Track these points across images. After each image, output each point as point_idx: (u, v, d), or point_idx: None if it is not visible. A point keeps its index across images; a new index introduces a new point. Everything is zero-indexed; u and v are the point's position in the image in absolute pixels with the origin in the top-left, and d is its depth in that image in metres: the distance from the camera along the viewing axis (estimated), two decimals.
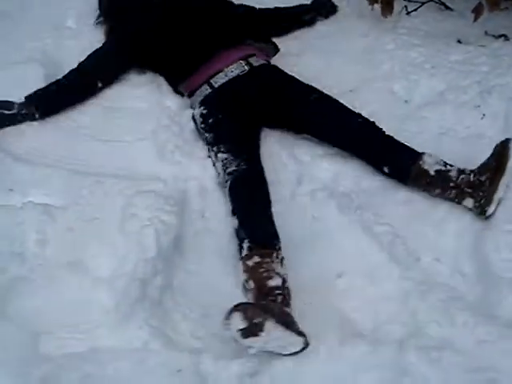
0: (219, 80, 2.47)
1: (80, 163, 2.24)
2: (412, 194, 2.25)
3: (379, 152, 2.30)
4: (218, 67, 2.49)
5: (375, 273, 2.05)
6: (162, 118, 2.44)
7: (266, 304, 1.80)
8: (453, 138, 2.50)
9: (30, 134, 2.32)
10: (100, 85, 2.54)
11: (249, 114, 2.41)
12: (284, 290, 1.92)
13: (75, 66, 2.52)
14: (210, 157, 2.35)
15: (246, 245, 2.01)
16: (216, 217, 2.21)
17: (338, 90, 2.75)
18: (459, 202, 2.15)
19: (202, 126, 2.39)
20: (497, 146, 2.15)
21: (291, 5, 3.18)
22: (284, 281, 1.93)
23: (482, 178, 2.09)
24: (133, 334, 1.73)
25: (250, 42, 2.65)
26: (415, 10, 3.25)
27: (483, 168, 2.13)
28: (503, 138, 2.18)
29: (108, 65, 2.58)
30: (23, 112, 2.33)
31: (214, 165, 2.33)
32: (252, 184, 2.21)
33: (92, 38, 2.70)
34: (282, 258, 2.01)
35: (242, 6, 2.94)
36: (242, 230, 2.08)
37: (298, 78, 2.55)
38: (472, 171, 2.14)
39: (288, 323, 1.74)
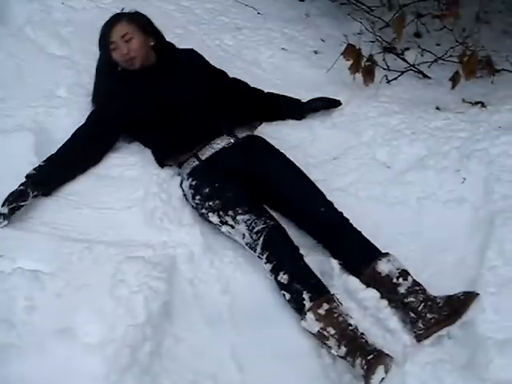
0: (206, 152, 2.53)
1: (69, 230, 2.26)
2: None
3: (338, 247, 2.34)
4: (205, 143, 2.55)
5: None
6: (151, 185, 2.47)
7: (380, 350, 1.95)
8: (435, 202, 2.56)
9: None
10: (98, 157, 2.60)
11: (239, 181, 2.45)
12: (358, 328, 2.04)
13: (65, 137, 2.56)
14: (222, 222, 2.35)
15: (306, 296, 2.09)
16: (204, 283, 2.22)
17: (321, 158, 2.85)
18: (402, 317, 2.14)
19: (198, 197, 2.42)
20: (463, 293, 2.09)
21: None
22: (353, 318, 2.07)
23: (429, 316, 2.06)
24: None
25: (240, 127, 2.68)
26: (395, 78, 3.38)
27: (434, 306, 2.08)
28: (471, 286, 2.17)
29: (98, 139, 2.60)
30: (31, 187, 2.32)
31: (223, 229, 2.36)
32: (286, 237, 2.27)
33: (82, 107, 2.76)
34: (339, 300, 2.11)
35: (234, 79, 2.99)
36: (295, 283, 2.13)
37: (281, 151, 2.60)
38: (422, 300, 2.10)
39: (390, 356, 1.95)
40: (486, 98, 3.13)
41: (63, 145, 2.53)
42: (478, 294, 2.06)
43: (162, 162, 2.61)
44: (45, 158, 2.46)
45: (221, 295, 2.19)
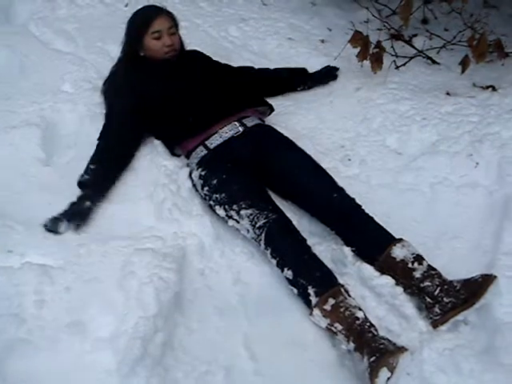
0: (214, 141, 2.50)
1: None
2: None
3: (351, 234, 2.31)
4: (214, 130, 2.53)
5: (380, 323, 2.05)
6: (160, 177, 2.46)
7: (385, 346, 1.89)
8: (448, 188, 2.53)
9: (29, 199, 2.32)
10: (131, 155, 2.56)
11: (247, 173, 2.43)
12: (368, 319, 2.00)
13: (71, 132, 2.57)
14: (228, 216, 2.33)
15: (311, 291, 2.06)
16: (215, 273, 2.21)
17: (331, 146, 2.83)
18: (418, 303, 2.12)
19: (206, 188, 2.40)
20: (481, 276, 2.06)
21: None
22: (362, 310, 2.03)
23: (446, 300, 2.03)
24: None
25: (249, 109, 2.69)
26: (404, 64, 3.34)
27: (451, 290, 2.05)
28: (487, 272, 2.08)
29: (128, 137, 2.58)
30: (95, 201, 2.32)
31: (230, 223, 2.33)
32: (289, 230, 2.24)
33: (88, 102, 2.74)
34: (347, 290, 2.08)
35: (239, 67, 3.08)
36: (300, 278, 2.11)
37: (290, 139, 2.58)
38: (439, 284, 2.07)
39: (399, 348, 1.90)
40: (497, 81, 3.08)
41: (97, 153, 2.47)
42: (495, 277, 2.02)
43: (172, 150, 2.61)
44: (87, 168, 2.40)
45: (232, 285, 2.17)
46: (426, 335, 2.01)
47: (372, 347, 1.90)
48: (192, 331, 1.98)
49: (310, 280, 2.09)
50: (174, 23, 2.80)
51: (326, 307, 2.02)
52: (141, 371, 1.73)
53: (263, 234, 2.21)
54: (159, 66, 2.71)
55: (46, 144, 2.51)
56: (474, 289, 2.01)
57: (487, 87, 3.04)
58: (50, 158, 2.48)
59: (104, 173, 2.42)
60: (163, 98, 2.63)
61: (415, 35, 3.76)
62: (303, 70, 3.28)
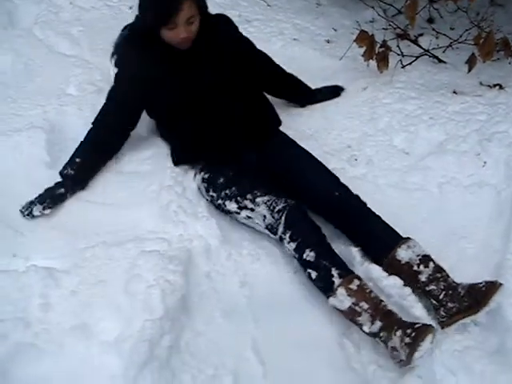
0: None
1: (83, 226, 2.22)
2: None
3: (356, 232, 2.29)
4: None
5: None
6: (165, 179, 2.44)
7: (418, 323, 1.91)
8: (456, 187, 2.50)
9: None
10: (120, 146, 2.55)
11: (252, 172, 2.42)
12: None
13: (76, 135, 2.51)
14: (241, 208, 2.31)
15: (335, 272, 2.05)
16: (222, 275, 2.18)
17: (338, 146, 2.80)
18: (426, 304, 2.09)
19: (211, 189, 2.38)
20: (485, 283, 2.03)
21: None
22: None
23: (450, 304, 2.01)
24: None
25: None
26: (410, 63, 3.31)
27: (455, 295, 2.03)
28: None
29: (123, 127, 2.54)
30: (70, 191, 2.34)
31: (242, 214, 2.32)
32: (309, 216, 2.23)
33: (93, 104, 2.71)
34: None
35: (262, 57, 2.89)
36: (322, 260, 2.09)
37: (294, 140, 2.56)
38: (443, 288, 2.05)
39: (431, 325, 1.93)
40: (504, 80, 3.05)
41: (88, 135, 2.46)
42: (501, 284, 1.99)
43: (177, 164, 2.54)
44: (74, 152, 2.42)
45: (239, 287, 2.15)
46: (437, 336, 1.98)
47: (405, 324, 1.90)
48: (199, 334, 1.95)
49: (333, 263, 2.08)
50: (196, 8, 2.32)
51: (351, 286, 2.00)
52: (147, 374, 1.72)
53: (283, 217, 2.19)
54: (176, 57, 2.42)
55: (50, 147, 2.49)
56: (478, 297, 1.98)
57: (494, 86, 3.01)
58: (55, 161, 2.45)
59: (88, 167, 2.42)
60: (174, 97, 2.46)
61: (421, 34, 3.73)
62: (308, 89, 3.03)
